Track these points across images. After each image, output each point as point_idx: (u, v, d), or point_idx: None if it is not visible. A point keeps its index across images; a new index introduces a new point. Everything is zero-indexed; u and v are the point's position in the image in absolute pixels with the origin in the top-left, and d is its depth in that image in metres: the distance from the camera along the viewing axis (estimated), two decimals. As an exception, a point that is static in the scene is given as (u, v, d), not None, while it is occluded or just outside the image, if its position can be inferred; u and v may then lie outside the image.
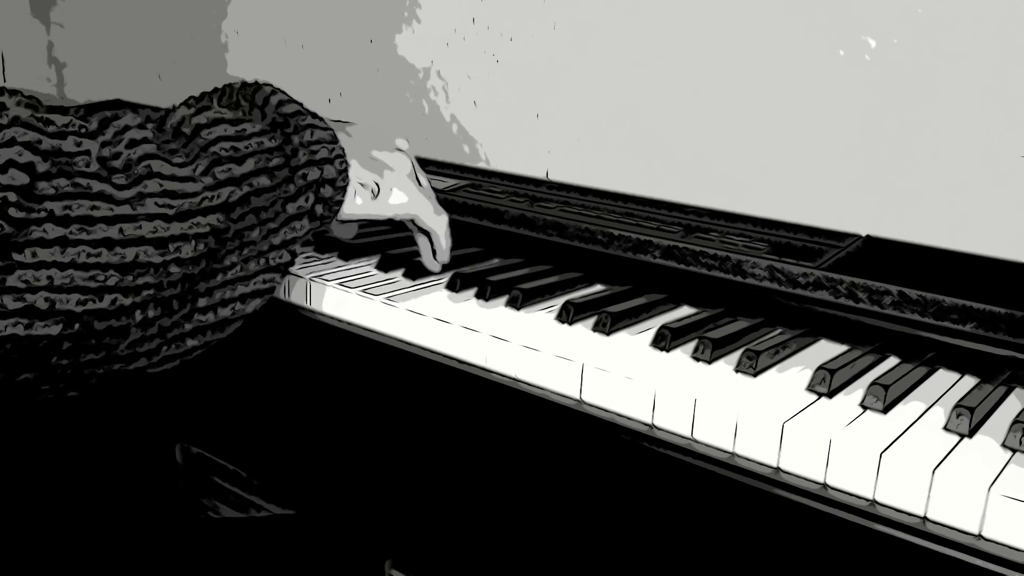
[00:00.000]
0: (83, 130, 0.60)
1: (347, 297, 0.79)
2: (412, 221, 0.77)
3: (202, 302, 0.64)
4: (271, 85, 0.72)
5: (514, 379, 0.68)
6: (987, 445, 0.56)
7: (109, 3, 1.73)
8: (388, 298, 0.77)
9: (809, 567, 0.55)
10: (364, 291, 0.79)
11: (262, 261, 0.66)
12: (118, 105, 1.61)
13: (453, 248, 0.88)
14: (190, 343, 0.64)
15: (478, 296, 0.79)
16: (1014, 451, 0.55)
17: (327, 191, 0.68)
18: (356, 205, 0.72)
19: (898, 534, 0.51)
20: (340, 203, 0.70)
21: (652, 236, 0.84)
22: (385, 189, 0.73)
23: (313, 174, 0.67)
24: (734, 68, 0.94)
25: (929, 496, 0.51)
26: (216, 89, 0.73)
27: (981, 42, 0.79)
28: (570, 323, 0.73)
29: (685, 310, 0.80)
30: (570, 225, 0.88)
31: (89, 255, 0.57)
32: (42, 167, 0.56)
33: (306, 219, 0.68)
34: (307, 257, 0.89)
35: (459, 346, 0.71)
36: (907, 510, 0.52)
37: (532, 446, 0.67)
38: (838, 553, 0.53)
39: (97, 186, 0.58)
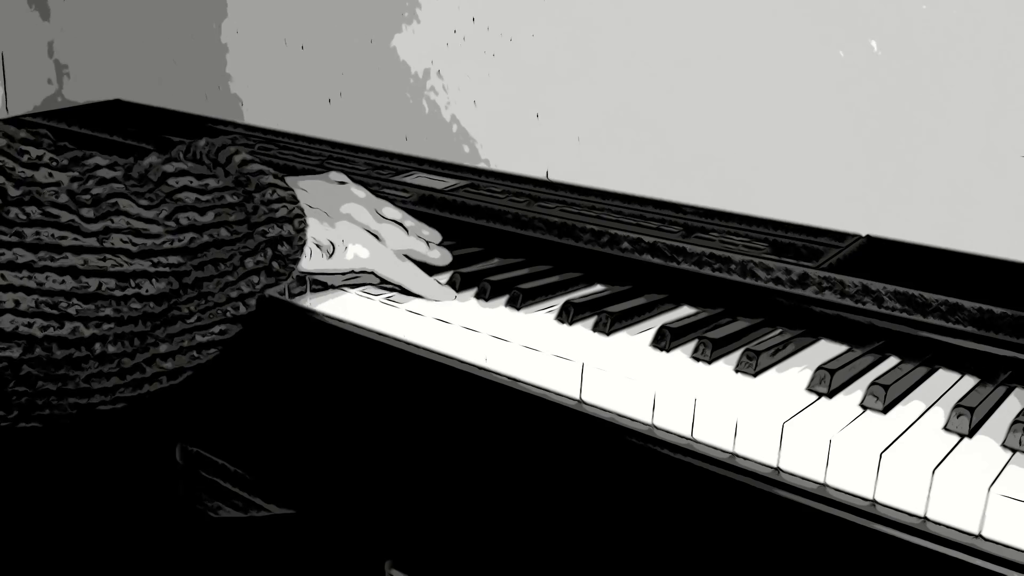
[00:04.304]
0: (54, 163, 0.62)
1: (347, 297, 0.79)
2: (373, 273, 0.78)
3: (163, 347, 0.66)
4: (236, 145, 0.74)
5: (514, 379, 0.68)
6: (987, 445, 0.56)
7: (109, 3, 1.73)
8: (388, 298, 0.77)
9: (809, 567, 0.55)
10: (364, 291, 0.79)
11: (219, 312, 0.68)
12: (116, 106, 1.61)
13: (454, 248, 0.88)
14: (146, 388, 0.66)
15: (478, 296, 0.79)
16: (1014, 451, 0.55)
17: (284, 248, 0.71)
18: (312, 263, 0.74)
19: (898, 534, 0.51)
20: (297, 261, 0.72)
21: (652, 236, 0.84)
22: (340, 246, 0.75)
23: (272, 231, 0.70)
24: (735, 68, 0.94)
25: (929, 496, 0.51)
26: (183, 142, 0.76)
27: (981, 43, 0.79)
28: (570, 323, 0.73)
29: (685, 310, 0.80)
30: (570, 225, 0.88)
31: (55, 281, 0.58)
32: (14, 193, 0.58)
33: (263, 274, 0.70)
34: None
35: (459, 346, 0.71)
36: (907, 510, 0.52)
37: (532, 446, 0.67)
38: (838, 553, 0.53)
39: (66, 216, 0.59)
